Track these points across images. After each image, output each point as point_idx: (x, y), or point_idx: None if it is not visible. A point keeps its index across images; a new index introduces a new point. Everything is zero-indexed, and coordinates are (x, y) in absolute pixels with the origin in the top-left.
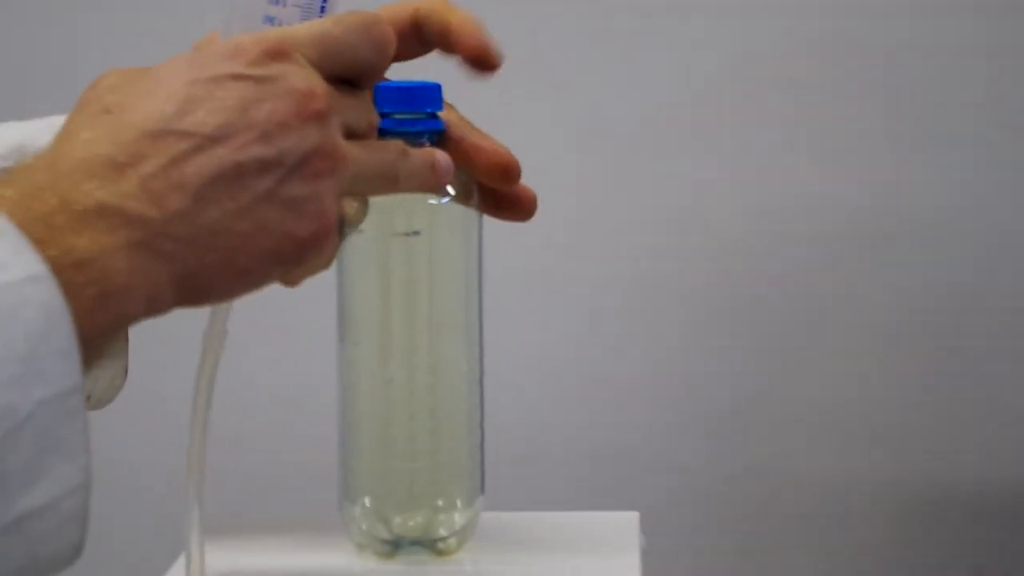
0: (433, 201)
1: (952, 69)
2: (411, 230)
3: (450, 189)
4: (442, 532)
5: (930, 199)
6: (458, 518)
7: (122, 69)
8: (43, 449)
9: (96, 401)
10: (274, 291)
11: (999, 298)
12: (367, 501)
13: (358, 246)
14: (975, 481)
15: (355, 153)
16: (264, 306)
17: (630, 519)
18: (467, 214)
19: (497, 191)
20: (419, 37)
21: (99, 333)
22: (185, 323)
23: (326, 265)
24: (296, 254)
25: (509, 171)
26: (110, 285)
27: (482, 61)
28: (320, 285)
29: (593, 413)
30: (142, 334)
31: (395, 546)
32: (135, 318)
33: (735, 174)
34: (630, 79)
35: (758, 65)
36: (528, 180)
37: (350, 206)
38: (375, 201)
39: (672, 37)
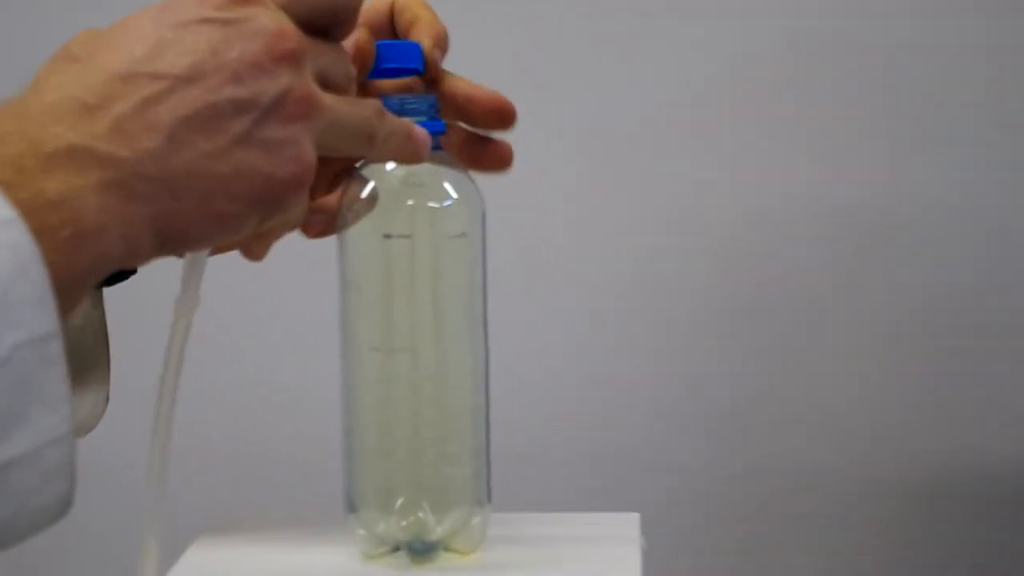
0: (434, 204)
1: (952, 69)
2: (459, 232)
3: (452, 192)
4: (449, 536)
5: (930, 199)
6: (465, 522)
7: (93, 28)
8: (21, 397)
9: (77, 428)
10: (276, 293)
11: (999, 298)
12: (371, 505)
13: (360, 248)
14: (975, 481)
15: (332, 102)
16: (267, 308)
17: (630, 520)
18: (471, 217)
19: (475, 147)
20: (395, 30)
21: (77, 277)
22: None
23: (300, 219)
24: (275, 198)
25: (505, 112)
26: (84, 226)
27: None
28: (324, 288)
29: (593, 413)
30: (141, 335)
31: (402, 550)
32: (112, 261)
33: (735, 174)
34: (630, 79)
35: (758, 65)
36: (528, 180)
37: (355, 189)
38: (378, 204)
39: (672, 37)
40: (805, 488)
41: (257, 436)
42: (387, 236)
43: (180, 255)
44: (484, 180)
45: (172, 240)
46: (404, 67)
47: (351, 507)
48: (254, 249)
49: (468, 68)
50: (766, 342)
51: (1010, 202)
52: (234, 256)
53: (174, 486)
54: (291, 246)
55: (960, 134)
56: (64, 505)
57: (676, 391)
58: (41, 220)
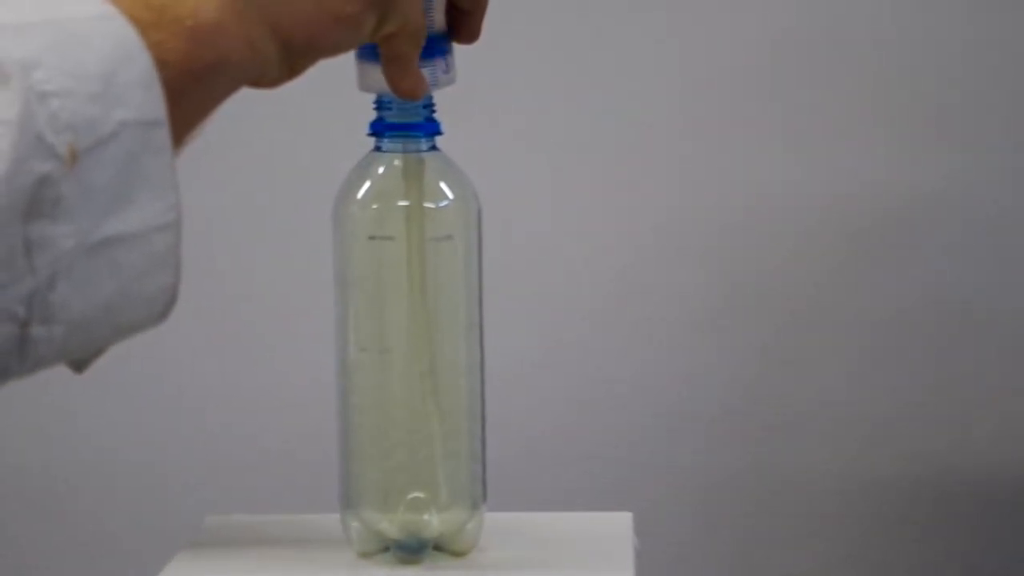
0: (431, 205)
1: (947, 66)
2: (444, 235)
3: (449, 192)
4: (445, 536)
5: (925, 196)
6: (461, 522)
7: None
8: (129, 176)
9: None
10: (273, 293)
11: (999, 298)
12: (367, 504)
13: (355, 248)
14: (974, 481)
15: None
16: (266, 308)
17: (623, 520)
18: (466, 218)
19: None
20: None
21: (199, 72)
22: (181, 329)
23: (419, 24)
24: None
25: None
26: (204, 18)
27: None
28: (320, 289)
29: (590, 413)
30: (140, 340)
31: (397, 550)
32: (237, 68)
33: (729, 173)
34: (620, 79)
35: (750, 63)
36: (526, 181)
37: None
38: (372, 207)
39: (662, 37)
40: (804, 488)
41: (253, 435)
42: (371, 238)
43: (306, 62)
44: (481, 181)
45: (296, 45)
46: None
47: (347, 505)
48: (396, 76)
49: (464, 69)
50: (761, 342)
51: (1010, 202)
52: (230, 257)
53: (171, 485)
54: (289, 245)
55: (954, 131)
56: (168, 300)
57: (670, 391)
58: (164, 10)
